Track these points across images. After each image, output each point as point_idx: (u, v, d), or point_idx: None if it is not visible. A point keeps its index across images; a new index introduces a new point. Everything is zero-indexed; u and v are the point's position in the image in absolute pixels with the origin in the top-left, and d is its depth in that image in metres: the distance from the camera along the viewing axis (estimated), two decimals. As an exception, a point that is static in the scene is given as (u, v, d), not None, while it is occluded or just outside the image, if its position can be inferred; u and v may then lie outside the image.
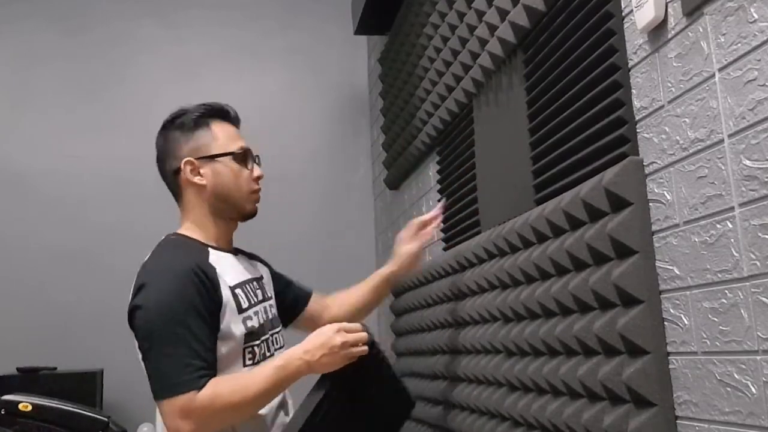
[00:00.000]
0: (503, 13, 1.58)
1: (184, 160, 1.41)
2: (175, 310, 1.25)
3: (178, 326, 1.24)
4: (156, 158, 1.49)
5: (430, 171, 2.24)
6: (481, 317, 1.66)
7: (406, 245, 1.75)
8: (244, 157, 1.46)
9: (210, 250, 1.39)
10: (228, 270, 1.38)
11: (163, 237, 1.44)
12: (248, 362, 1.34)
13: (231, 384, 1.24)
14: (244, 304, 1.37)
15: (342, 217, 3.20)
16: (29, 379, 2.55)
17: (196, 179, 1.42)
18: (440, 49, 2.06)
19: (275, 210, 1.91)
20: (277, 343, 1.46)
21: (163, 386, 1.23)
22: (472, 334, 1.70)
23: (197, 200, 1.43)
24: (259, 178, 1.48)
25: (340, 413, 1.28)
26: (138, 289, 1.29)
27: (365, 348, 1.29)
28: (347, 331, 1.28)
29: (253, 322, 1.37)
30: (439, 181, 2.12)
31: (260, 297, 1.44)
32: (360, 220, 3.23)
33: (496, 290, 1.58)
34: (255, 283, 1.46)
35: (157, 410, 1.28)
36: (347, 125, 3.33)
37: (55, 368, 2.65)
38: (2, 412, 2.19)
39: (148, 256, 1.38)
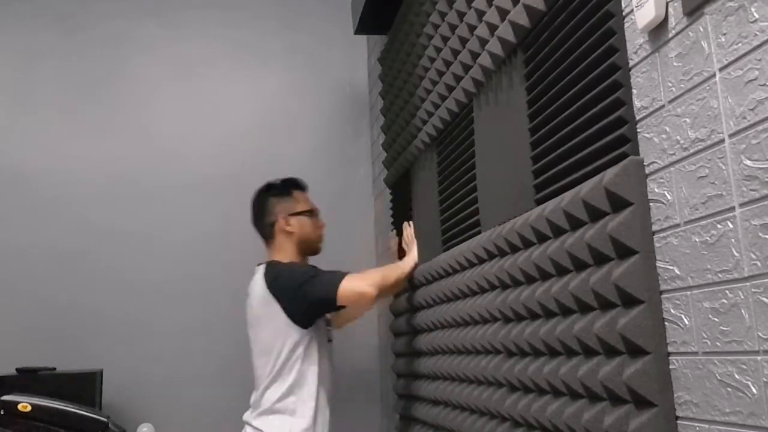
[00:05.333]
0: (503, 13, 1.58)
1: (281, 215, 2.14)
2: (305, 277, 1.99)
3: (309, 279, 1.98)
4: (253, 214, 2.21)
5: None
6: (481, 317, 1.66)
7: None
8: (314, 213, 2.23)
9: None
10: None
11: (261, 265, 2.12)
12: (325, 342, 2.11)
13: (372, 270, 2.12)
14: None
15: (342, 217, 3.19)
16: (28, 379, 2.54)
17: (288, 228, 2.14)
18: (440, 48, 2.05)
19: (275, 210, 1.94)
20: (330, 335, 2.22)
21: (334, 280, 1.92)
22: (472, 334, 1.70)
23: (286, 242, 2.14)
24: (323, 226, 2.25)
25: None
26: (274, 278, 2.00)
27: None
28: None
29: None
30: (439, 181, 2.12)
31: None
32: (360, 220, 3.23)
33: (496, 290, 1.58)
34: None
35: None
36: (347, 125, 3.32)
37: (55, 369, 2.64)
38: (1, 413, 2.18)
39: (263, 273, 2.07)
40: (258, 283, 2.04)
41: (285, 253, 2.13)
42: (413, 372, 2.24)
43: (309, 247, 2.19)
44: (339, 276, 1.93)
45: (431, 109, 2.14)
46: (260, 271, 2.07)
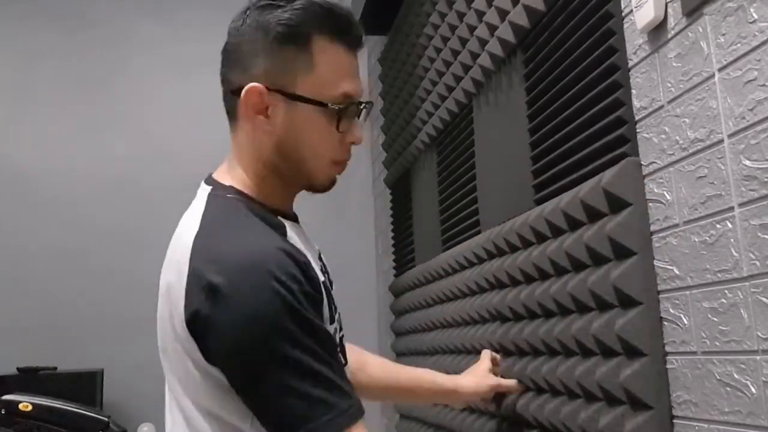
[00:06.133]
0: (503, 13, 1.58)
1: (250, 85, 0.93)
2: (287, 325, 0.83)
3: (296, 347, 0.83)
4: (223, 54, 1.01)
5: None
6: (480, 317, 1.66)
7: (487, 373, 1.39)
8: (344, 112, 0.97)
9: (282, 220, 0.98)
10: (308, 252, 0.96)
11: (205, 189, 0.99)
12: None
13: None
14: (333, 309, 0.97)
15: (342, 217, 3.19)
16: (29, 378, 2.55)
17: (259, 119, 0.95)
18: (440, 49, 2.06)
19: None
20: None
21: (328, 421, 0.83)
22: (471, 334, 1.70)
23: (253, 144, 0.97)
24: (352, 143, 1.02)
25: None
26: (209, 290, 0.84)
27: None
28: None
29: (339, 336, 0.99)
30: (439, 181, 2.12)
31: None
32: (360, 220, 3.23)
33: (495, 290, 1.58)
34: (327, 273, 1.06)
35: (173, 407, 0.93)
36: (347, 125, 3.32)
37: (56, 368, 2.65)
38: (2, 412, 2.19)
39: (196, 227, 0.92)
40: (174, 266, 0.91)
41: (248, 165, 0.99)
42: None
43: (300, 175, 1.00)
44: (340, 419, 0.84)
45: (431, 110, 2.15)
46: (189, 226, 0.93)
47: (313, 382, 0.83)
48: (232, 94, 0.97)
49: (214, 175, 1.02)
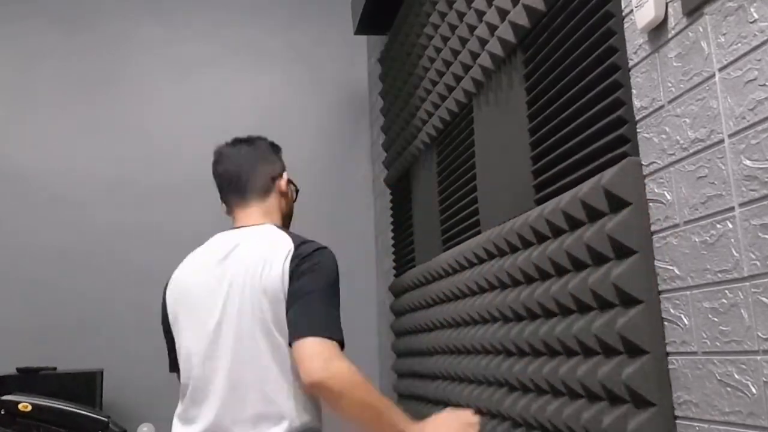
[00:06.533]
0: (503, 13, 1.58)
1: (286, 175, 1.57)
2: (337, 280, 1.40)
3: (338, 290, 1.39)
4: (245, 157, 1.56)
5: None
6: (480, 317, 1.66)
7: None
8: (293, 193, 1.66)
9: None
10: None
11: (263, 225, 1.49)
12: None
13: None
14: None
15: (342, 217, 3.19)
16: (29, 379, 2.55)
17: (286, 192, 1.57)
18: (440, 48, 2.06)
19: (275, 210, 1.92)
20: None
21: (329, 327, 1.31)
22: (472, 334, 1.70)
23: (278, 207, 1.57)
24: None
25: None
26: (316, 249, 1.39)
27: None
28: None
29: None
30: (439, 181, 2.12)
31: None
32: (360, 220, 3.23)
33: (495, 290, 1.58)
34: None
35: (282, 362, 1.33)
36: (347, 125, 3.32)
37: (55, 368, 2.65)
38: (2, 413, 2.18)
39: (284, 233, 1.45)
40: (263, 250, 1.36)
41: (276, 218, 1.54)
42: (414, 371, 2.24)
43: (289, 221, 1.62)
44: (339, 331, 1.33)
45: (431, 109, 2.15)
46: (268, 233, 1.42)
47: (338, 310, 1.35)
48: (270, 179, 1.54)
49: (255, 220, 1.50)
